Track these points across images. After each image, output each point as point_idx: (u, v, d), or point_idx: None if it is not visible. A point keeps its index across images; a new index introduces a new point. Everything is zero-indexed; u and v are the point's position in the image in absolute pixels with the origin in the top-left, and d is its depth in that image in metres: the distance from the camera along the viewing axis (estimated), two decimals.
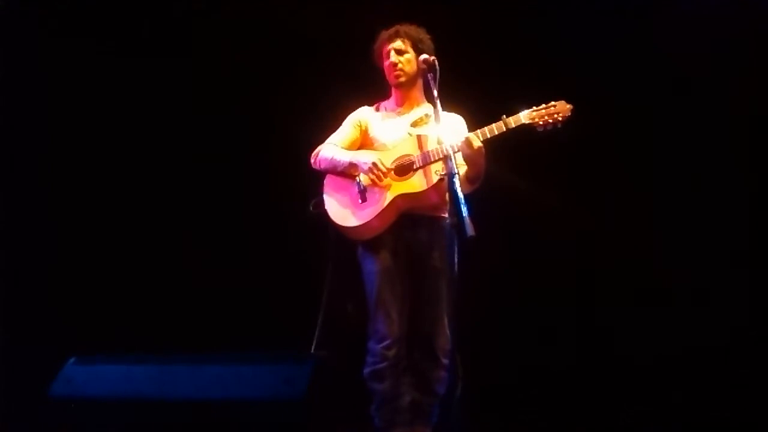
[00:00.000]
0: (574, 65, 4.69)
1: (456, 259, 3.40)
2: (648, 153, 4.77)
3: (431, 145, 3.65)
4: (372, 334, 3.71)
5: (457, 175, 3.27)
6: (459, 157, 3.63)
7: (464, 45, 4.38)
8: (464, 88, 3.93)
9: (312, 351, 4.22)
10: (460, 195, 3.22)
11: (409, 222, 3.70)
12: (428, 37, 3.79)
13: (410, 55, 3.76)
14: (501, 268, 4.74)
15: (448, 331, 3.63)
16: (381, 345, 3.65)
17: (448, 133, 3.49)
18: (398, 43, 3.78)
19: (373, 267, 3.73)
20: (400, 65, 3.76)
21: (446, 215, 3.71)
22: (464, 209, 3.09)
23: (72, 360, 3.41)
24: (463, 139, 3.54)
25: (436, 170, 3.59)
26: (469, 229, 3.04)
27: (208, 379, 3.26)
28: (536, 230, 4.80)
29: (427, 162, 3.63)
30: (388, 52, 3.79)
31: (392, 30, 3.80)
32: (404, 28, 3.79)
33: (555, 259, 4.78)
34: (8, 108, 5.04)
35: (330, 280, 4.12)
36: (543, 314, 4.76)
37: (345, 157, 3.77)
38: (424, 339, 3.69)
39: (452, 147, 3.42)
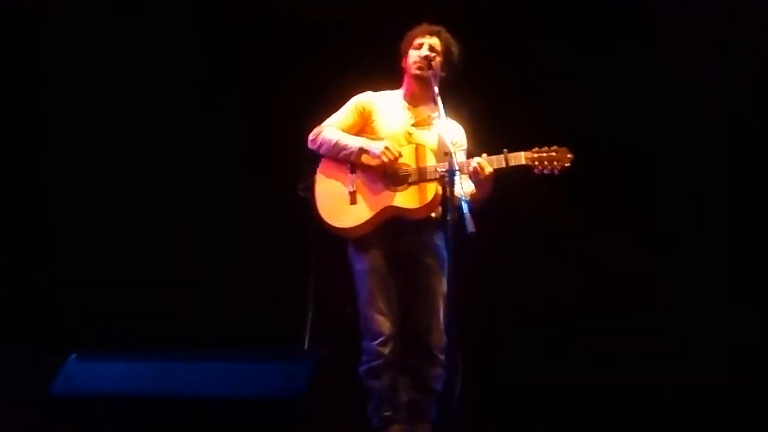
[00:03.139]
0: (577, 83, 4.76)
1: (449, 255, 3.38)
2: (649, 159, 4.79)
3: (429, 159, 3.66)
4: (365, 332, 3.68)
5: (458, 173, 3.29)
6: (462, 157, 3.70)
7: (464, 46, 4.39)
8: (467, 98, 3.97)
9: (305, 347, 4.25)
10: (461, 192, 3.25)
11: (400, 221, 3.69)
12: (459, 51, 3.81)
13: (440, 58, 3.75)
14: (501, 266, 4.76)
15: (442, 327, 3.61)
16: (376, 342, 3.63)
17: (448, 136, 3.47)
18: (435, 41, 3.77)
19: (363, 265, 3.71)
20: (426, 59, 3.72)
21: (436, 215, 3.72)
22: (465, 206, 3.10)
23: (73, 357, 3.42)
24: (475, 164, 3.54)
25: (437, 168, 3.60)
26: (470, 226, 3.04)
27: (209, 377, 3.27)
28: (538, 229, 4.82)
29: (421, 179, 3.63)
30: (421, 45, 3.77)
31: (435, 28, 3.79)
32: (445, 33, 3.79)
33: (556, 258, 4.79)
34: (8, 107, 5.05)
35: (315, 269, 4.15)
36: (543, 313, 4.78)
37: (354, 142, 3.72)
38: (419, 336, 3.68)
39: (457, 166, 3.37)
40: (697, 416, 4.28)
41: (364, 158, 3.71)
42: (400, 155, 3.65)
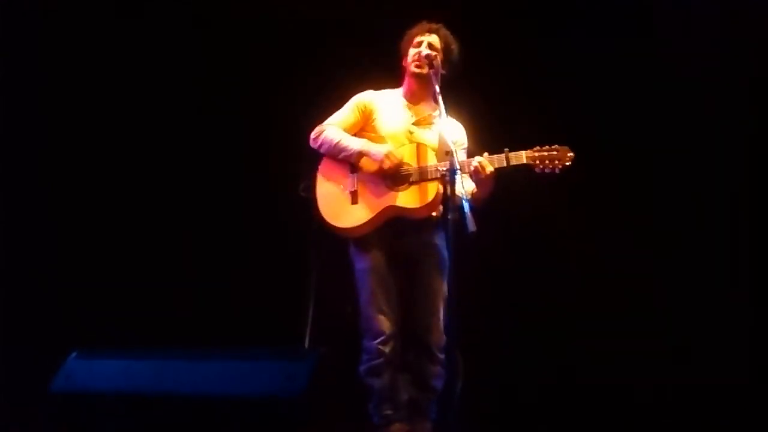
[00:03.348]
0: (577, 83, 4.77)
1: (450, 255, 3.38)
2: (649, 159, 4.79)
3: (429, 158, 3.66)
4: (366, 331, 3.70)
5: (459, 172, 3.30)
6: (463, 156, 3.72)
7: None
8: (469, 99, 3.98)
9: (306, 346, 4.25)
10: (462, 191, 3.25)
11: (400, 220, 3.69)
12: (458, 48, 3.83)
13: (440, 56, 3.77)
14: (502, 266, 4.76)
15: (441, 326, 3.63)
16: (376, 341, 3.64)
17: (449, 135, 3.48)
18: (434, 38, 3.79)
19: (364, 265, 3.72)
20: (427, 58, 3.71)
21: (437, 214, 3.73)
22: (466, 205, 3.10)
23: (73, 355, 3.42)
24: (476, 164, 3.54)
25: (438, 167, 3.60)
26: (471, 225, 3.04)
27: (209, 375, 3.25)
28: (538, 228, 4.83)
29: (422, 179, 3.64)
30: (421, 42, 3.78)
31: (435, 26, 3.82)
32: (444, 30, 3.82)
33: (557, 258, 4.80)
34: (8, 107, 5.05)
35: (316, 268, 4.15)
36: (543, 313, 4.78)
37: (354, 144, 3.73)
38: (419, 335, 3.69)
39: (458, 165, 3.39)
40: (698, 416, 4.28)
41: (364, 161, 3.71)
42: (401, 161, 3.65)
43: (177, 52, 5.17)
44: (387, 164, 3.63)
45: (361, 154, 3.70)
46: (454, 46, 3.82)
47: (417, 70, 3.76)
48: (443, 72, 3.77)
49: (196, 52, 5.19)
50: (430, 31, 3.81)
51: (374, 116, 3.82)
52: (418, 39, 3.80)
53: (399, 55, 3.89)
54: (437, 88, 3.55)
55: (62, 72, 5.15)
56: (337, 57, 4.90)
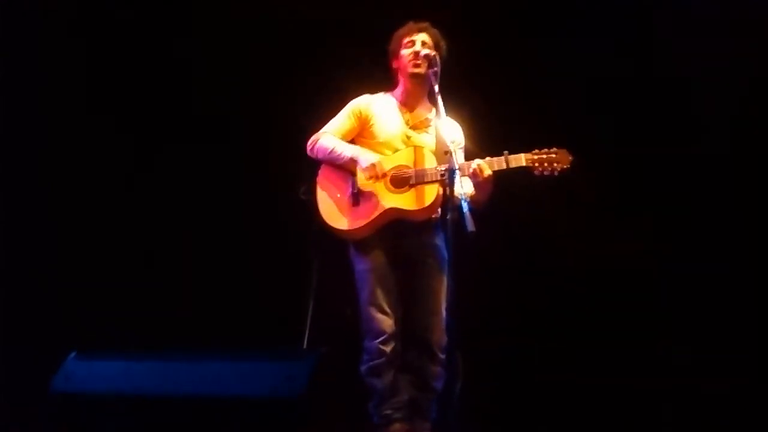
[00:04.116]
0: (577, 83, 4.78)
1: (450, 255, 3.38)
2: (648, 159, 4.79)
3: (428, 161, 3.66)
4: (367, 331, 3.69)
5: (457, 172, 3.29)
6: (461, 156, 3.72)
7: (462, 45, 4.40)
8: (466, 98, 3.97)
9: (304, 346, 4.26)
10: (461, 191, 3.25)
11: (400, 222, 3.69)
12: (446, 45, 3.81)
13: (433, 53, 3.72)
14: (501, 266, 4.76)
15: (443, 326, 3.62)
16: (377, 341, 3.64)
17: (447, 135, 3.47)
18: (425, 36, 3.76)
19: (364, 266, 3.72)
20: (426, 57, 3.67)
21: (437, 215, 3.73)
22: (465, 205, 3.11)
23: (72, 355, 3.42)
24: (475, 166, 3.55)
25: (437, 169, 3.60)
26: (470, 225, 3.04)
27: (209, 376, 3.27)
28: (538, 228, 4.83)
29: (420, 181, 3.63)
30: (414, 42, 3.76)
31: (422, 24, 3.80)
32: (432, 28, 3.79)
33: (555, 257, 4.80)
34: (8, 107, 5.05)
35: (315, 268, 4.16)
36: (543, 313, 4.78)
37: (347, 151, 3.73)
38: (419, 335, 3.69)
39: (457, 165, 3.38)
40: (698, 416, 4.28)
41: (357, 167, 3.71)
42: (384, 176, 3.64)
43: (177, 52, 5.17)
44: (367, 175, 3.64)
45: (352, 161, 3.71)
46: (443, 43, 3.80)
47: (416, 70, 3.73)
48: (436, 69, 3.71)
49: (196, 52, 5.19)
50: (420, 30, 3.78)
51: (371, 122, 3.81)
52: (408, 39, 3.77)
53: (388, 58, 3.86)
54: (436, 87, 3.54)
55: (62, 72, 5.14)
56: (337, 57, 4.90)
